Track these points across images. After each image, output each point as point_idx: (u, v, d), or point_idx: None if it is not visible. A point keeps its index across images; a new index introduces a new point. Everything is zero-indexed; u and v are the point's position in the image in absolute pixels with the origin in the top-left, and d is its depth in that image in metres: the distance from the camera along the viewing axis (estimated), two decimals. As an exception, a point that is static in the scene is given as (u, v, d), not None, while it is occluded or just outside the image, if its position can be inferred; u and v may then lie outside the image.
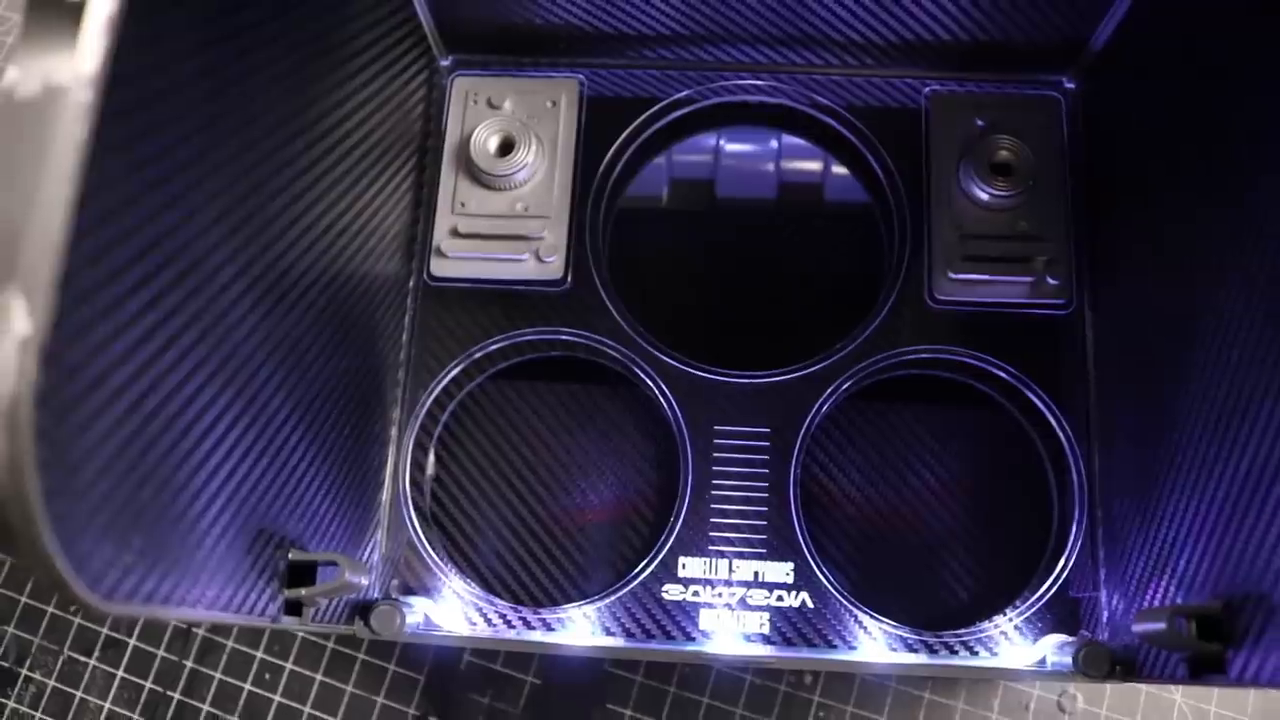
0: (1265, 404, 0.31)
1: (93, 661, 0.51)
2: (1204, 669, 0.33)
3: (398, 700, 0.50)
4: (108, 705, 0.50)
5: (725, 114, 0.50)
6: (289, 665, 0.50)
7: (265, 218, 0.33)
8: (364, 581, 0.38)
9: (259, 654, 0.50)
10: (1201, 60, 0.38)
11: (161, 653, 0.51)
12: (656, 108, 0.49)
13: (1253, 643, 0.31)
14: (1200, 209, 0.38)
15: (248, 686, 0.50)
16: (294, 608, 0.34)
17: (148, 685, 0.50)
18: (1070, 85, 0.49)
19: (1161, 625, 0.34)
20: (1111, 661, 0.40)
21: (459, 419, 0.48)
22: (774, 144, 0.52)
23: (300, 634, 0.50)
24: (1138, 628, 0.36)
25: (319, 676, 0.50)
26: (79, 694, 0.50)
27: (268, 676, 0.50)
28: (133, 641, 0.51)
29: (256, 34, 0.32)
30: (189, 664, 0.50)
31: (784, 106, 0.50)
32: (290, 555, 0.34)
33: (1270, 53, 0.33)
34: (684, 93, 0.49)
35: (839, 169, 0.51)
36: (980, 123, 0.47)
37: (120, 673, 0.50)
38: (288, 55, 0.35)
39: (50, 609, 0.51)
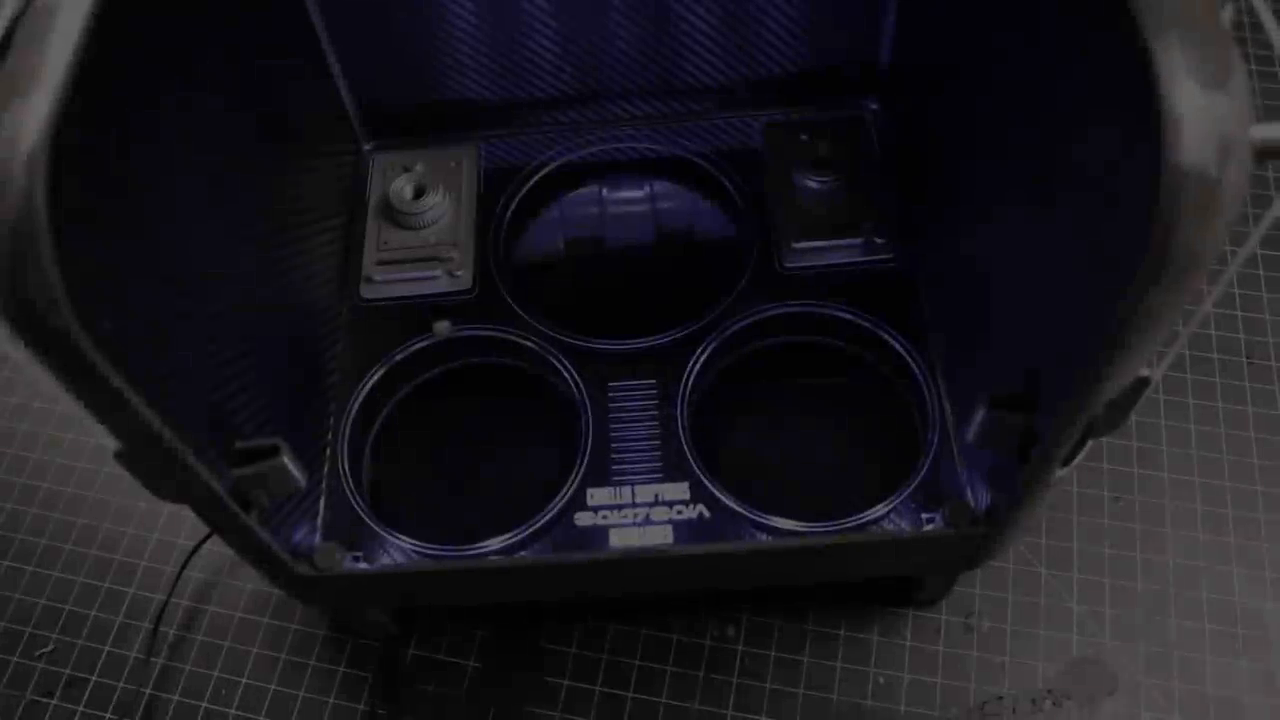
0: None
1: (54, 702, 0.53)
2: (1025, 448, 0.39)
3: (348, 699, 0.52)
4: (68, 742, 0.52)
5: (598, 167, 0.61)
6: (244, 680, 0.53)
7: (229, 245, 0.42)
8: (301, 479, 0.43)
9: (215, 672, 0.53)
10: (947, 63, 0.50)
11: (121, 684, 0.53)
12: (540, 160, 0.60)
13: (1048, 406, 0.38)
14: (967, 163, 0.47)
15: (204, 704, 0.52)
16: (241, 500, 0.40)
17: (107, 716, 0.52)
18: (874, 107, 0.60)
19: (980, 413, 0.40)
20: (970, 512, 0.45)
21: (392, 412, 0.54)
22: (647, 187, 0.62)
23: (254, 651, 0.53)
24: (969, 437, 0.42)
25: (273, 687, 0.53)
26: (40, 735, 0.52)
27: (224, 692, 0.53)
28: (94, 678, 0.53)
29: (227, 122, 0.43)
30: (147, 691, 0.53)
31: (648, 158, 0.61)
32: (237, 444, 0.40)
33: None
34: (558, 151, 0.60)
35: (704, 199, 0.61)
36: (805, 137, 0.58)
37: (80, 708, 0.53)
38: (249, 140, 0.45)
39: (14, 659, 0.54)
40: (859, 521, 0.47)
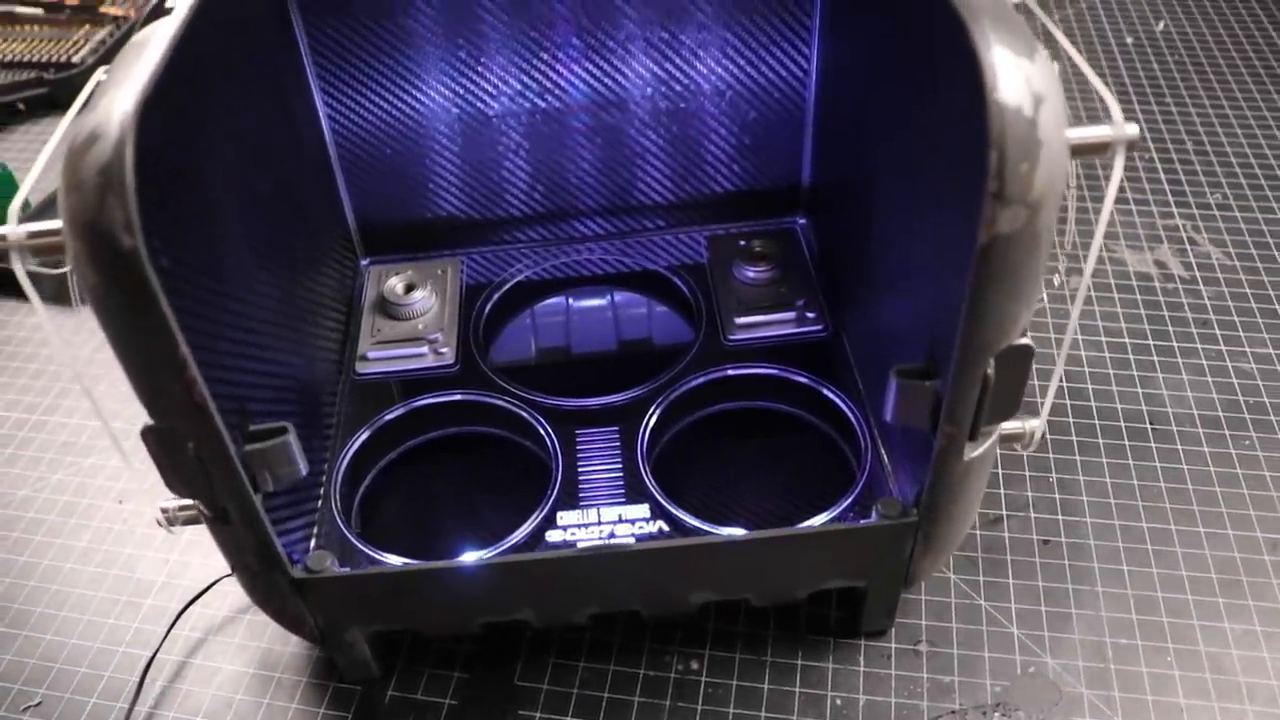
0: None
1: (36, 755, 0.54)
2: (935, 415, 0.45)
3: (326, 740, 0.54)
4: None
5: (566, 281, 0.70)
6: (224, 726, 0.54)
7: (259, 278, 0.50)
8: (303, 465, 0.47)
9: (199, 718, 0.55)
10: (848, 191, 0.61)
11: (104, 736, 0.54)
12: (514, 269, 0.69)
13: (942, 370, 0.45)
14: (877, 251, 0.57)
15: (184, 750, 0.54)
16: (250, 480, 0.44)
17: (87, 768, 0.53)
18: (801, 221, 0.71)
19: (892, 385, 0.46)
20: (901, 505, 0.50)
21: (382, 462, 0.60)
22: (608, 295, 0.71)
23: (238, 697, 0.55)
24: (887, 415, 0.48)
25: (252, 732, 0.54)
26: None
27: (203, 739, 0.54)
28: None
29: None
30: (129, 740, 0.54)
31: (608, 272, 0.70)
32: (251, 426, 0.45)
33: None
34: (526, 265, 0.70)
35: (659, 303, 0.70)
36: (743, 242, 0.68)
37: (61, 760, 0.54)
38: (278, 218, 0.55)
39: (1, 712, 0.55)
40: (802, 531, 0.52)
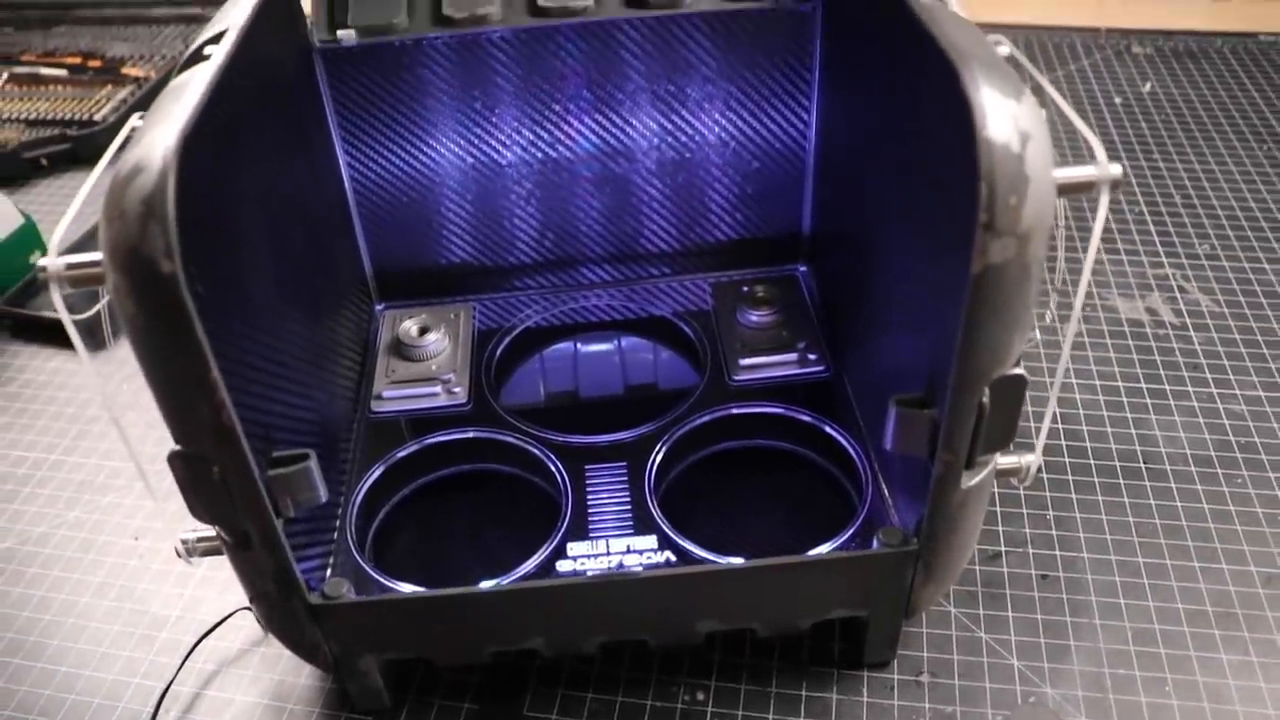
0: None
1: (50, 785, 0.55)
2: (933, 443, 0.47)
3: (337, 769, 0.54)
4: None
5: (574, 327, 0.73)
6: (237, 757, 0.55)
7: (285, 317, 0.52)
8: (323, 491, 0.49)
9: (210, 751, 0.55)
10: (847, 238, 0.64)
11: (117, 766, 0.55)
12: (524, 314, 0.71)
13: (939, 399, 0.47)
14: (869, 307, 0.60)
15: (197, 780, 0.54)
16: (273, 505, 0.46)
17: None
18: (803, 269, 0.73)
19: (891, 413, 0.48)
20: (902, 533, 0.52)
21: (395, 498, 0.61)
22: (615, 340, 0.73)
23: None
24: (887, 443, 0.49)
25: (264, 762, 0.55)
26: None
27: (216, 769, 0.55)
28: (91, 763, 0.55)
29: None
30: (143, 770, 0.55)
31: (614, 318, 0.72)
32: (274, 453, 0.47)
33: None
34: (535, 310, 0.72)
35: (665, 348, 0.72)
36: (746, 288, 0.70)
37: (75, 790, 0.54)
38: (302, 261, 0.57)
39: (16, 749, 0.56)
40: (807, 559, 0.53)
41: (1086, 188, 0.43)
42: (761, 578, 0.52)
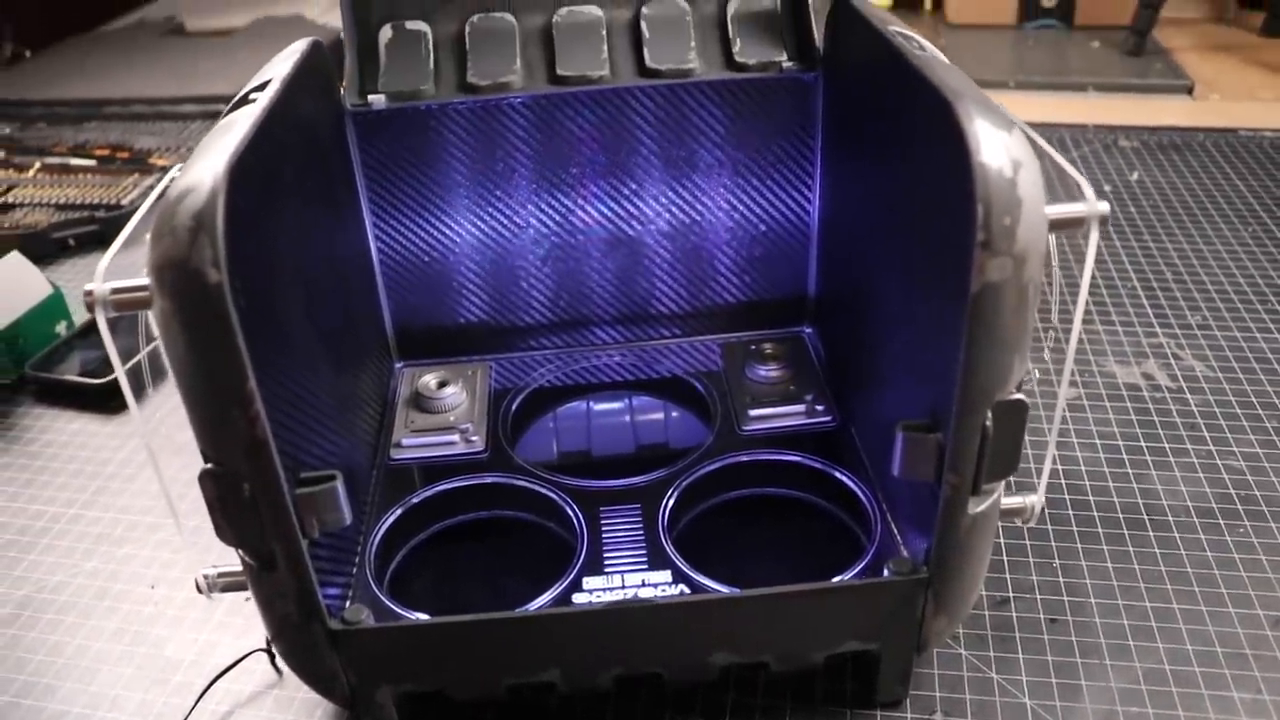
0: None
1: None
2: (939, 468, 0.49)
3: (348, 807, 0.54)
4: None
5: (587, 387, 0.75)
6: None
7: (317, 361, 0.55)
8: (348, 514, 0.50)
9: (221, 790, 0.55)
10: (851, 299, 0.67)
11: (128, 805, 0.55)
12: (537, 373, 0.74)
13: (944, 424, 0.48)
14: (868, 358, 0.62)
15: (207, 819, 0.54)
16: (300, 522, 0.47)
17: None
18: (809, 330, 0.75)
19: (898, 439, 0.49)
20: (912, 564, 0.53)
21: (413, 540, 0.62)
22: (626, 399, 0.75)
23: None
24: (895, 469, 0.51)
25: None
26: None
27: (227, 807, 0.54)
28: (101, 802, 0.55)
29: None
30: (153, 809, 0.54)
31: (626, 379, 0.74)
32: (302, 474, 0.48)
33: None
34: (549, 370, 0.74)
35: (676, 408, 0.74)
36: (754, 347, 0.73)
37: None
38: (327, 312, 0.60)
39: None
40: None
41: (1077, 223, 0.46)
42: (774, 606, 0.52)
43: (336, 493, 0.49)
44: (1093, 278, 0.99)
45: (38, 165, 1.28)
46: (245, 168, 0.45)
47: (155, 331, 0.44)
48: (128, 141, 1.35)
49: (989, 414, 0.47)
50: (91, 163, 1.29)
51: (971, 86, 0.46)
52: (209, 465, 0.46)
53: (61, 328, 0.95)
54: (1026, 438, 0.51)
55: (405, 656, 0.53)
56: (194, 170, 0.43)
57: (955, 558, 0.52)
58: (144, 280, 0.44)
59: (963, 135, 0.43)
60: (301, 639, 0.52)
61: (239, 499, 0.46)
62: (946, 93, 0.44)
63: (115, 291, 0.45)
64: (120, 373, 0.48)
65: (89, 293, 0.46)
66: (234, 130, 0.46)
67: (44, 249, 1.11)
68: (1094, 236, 0.47)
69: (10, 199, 1.19)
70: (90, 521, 0.74)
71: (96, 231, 1.13)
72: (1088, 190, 0.46)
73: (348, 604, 0.55)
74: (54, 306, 0.94)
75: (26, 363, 0.90)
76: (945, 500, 0.49)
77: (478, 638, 0.52)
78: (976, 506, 0.50)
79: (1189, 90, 1.45)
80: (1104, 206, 0.47)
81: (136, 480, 0.78)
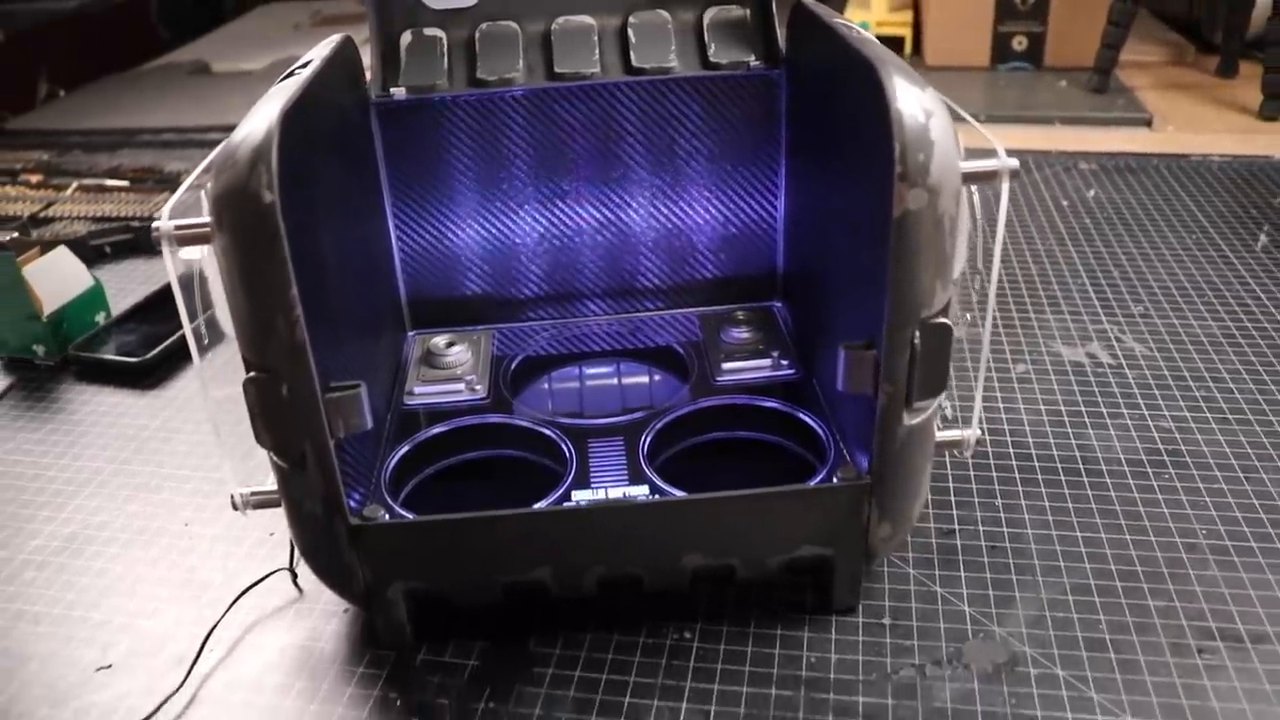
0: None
1: None
2: (874, 378, 0.57)
3: (364, 687, 0.61)
4: (113, 736, 0.60)
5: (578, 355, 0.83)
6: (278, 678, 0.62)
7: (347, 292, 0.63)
8: (369, 419, 0.57)
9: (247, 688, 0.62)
10: (813, 279, 0.76)
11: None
12: (533, 341, 0.82)
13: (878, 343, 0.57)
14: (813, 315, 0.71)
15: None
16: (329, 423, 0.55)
17: None
18: (778, 305, 0.84)
19: (841, 356, 0.57)
20: (856, 472, 0.61)
21: (421, 476, 0.70)
22: (615, 364, 0.83)
23: (285, 659, 0.63)
24: (839, 384, 0.59)
25: (298, 683, 0.61)
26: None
27: (264, 680, 0.61)
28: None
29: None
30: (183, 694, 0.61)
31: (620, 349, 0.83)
32: (331, 383, 0.56)
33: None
34: (544, 339, 0.82)
35: (660, 371, 0.82)
36: (729, 316, 0.81)
37: None
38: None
39: None
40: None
41: (990, 176, 0.55)
42: (736, 508, 0.60)
43: (360, 398, 0.57)
44: (1044, 275, 1.07)
45: (75, 185, 1.38)
46: (293, 119, 0.54)
47: (209, 268, 0.53)
48: (158, 165, 1.46)
49: (916, 332, 0.55)
50: (124, 184, 1.39)
51: (894, 57, 0.55)
52: (252, 374, 0.55)
53: (100, 318, 1.04)
54: (962, 382, 0.59)
55: (415, 553, 0.61)
56: (252, 119, 0.52)
57: (894, 466, 0.59)
58: (204, 219, 0.52)
59: (883, 89, 0.52)
60: (324, 535, 0.59)
61: (278, 400, 0.54)
62: (873, 60, 0.53)
63: (179, 228, 0.53)
64: (182, 313, 0.56)
65: (155, 229, 0.54)
66: (285, 91, 0.56)
67: (82, 255, 1.19)
68: (1005, 188, 0.55)
69: (50, 213, 1.29)
70: (130, 474, 0.82)
71: (130, 240, 1.23)
72: (1000, 149, 0.55)
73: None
74: (95, 298, 1.03)
75: (69, 345, 0.98)
76: (881, 409, 0.57)
77: (479, 534, 0.60)
78: (911, 419, 0.58)
79: (1148, 123, 1.55)
80: (1014, 162, 0.55)
81: (171, 442, 0.86)
